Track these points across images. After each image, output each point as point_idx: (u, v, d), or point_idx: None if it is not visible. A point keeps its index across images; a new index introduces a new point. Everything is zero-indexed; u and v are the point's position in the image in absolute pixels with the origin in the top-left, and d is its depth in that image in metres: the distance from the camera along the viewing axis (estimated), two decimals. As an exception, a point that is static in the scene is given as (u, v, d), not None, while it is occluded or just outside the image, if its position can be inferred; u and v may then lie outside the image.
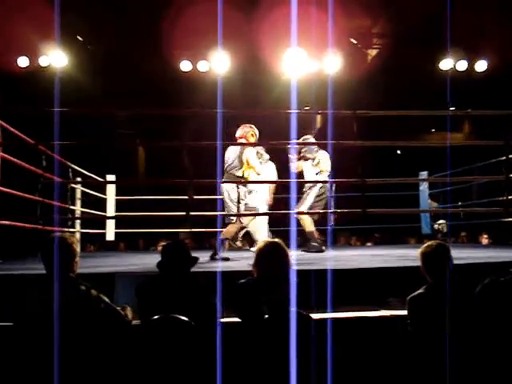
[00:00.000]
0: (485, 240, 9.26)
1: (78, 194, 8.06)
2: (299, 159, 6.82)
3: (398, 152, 13.90)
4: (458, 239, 10.02)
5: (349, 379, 3.28)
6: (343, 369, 3.16)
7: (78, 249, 3.19)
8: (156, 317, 2.96)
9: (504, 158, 5.56)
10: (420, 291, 3.19)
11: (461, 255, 5.13)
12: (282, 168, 7.11)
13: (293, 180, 6.45)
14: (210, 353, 2.91)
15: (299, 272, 3.35)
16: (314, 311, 3.37)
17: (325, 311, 3.54)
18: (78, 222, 8.03)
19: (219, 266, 4.85)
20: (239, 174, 6.08)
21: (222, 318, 3.23)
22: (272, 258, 3.29)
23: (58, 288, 2.91)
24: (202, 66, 10.04)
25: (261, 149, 6.76)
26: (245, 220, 6.22)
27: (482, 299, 3.15)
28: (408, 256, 5.80)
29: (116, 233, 8.82)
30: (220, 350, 2.92)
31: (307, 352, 2.89)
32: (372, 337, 3.50)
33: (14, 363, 2.88)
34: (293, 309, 2.99)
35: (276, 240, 3.48)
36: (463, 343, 2.96)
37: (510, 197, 5.36)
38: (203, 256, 4.60)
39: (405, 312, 3.29)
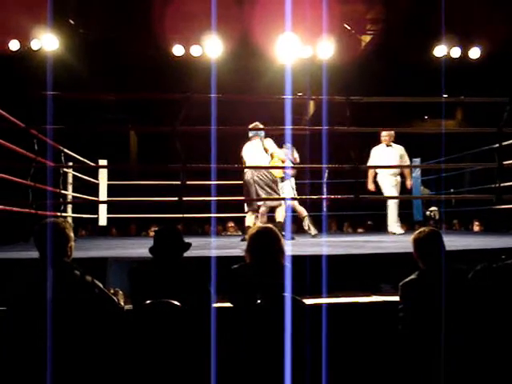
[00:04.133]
0: (476, 227, 9.30)
1: (70, 179, 8.03)
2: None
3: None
4: (450, 226, 10.05)
5: (342, 365, 3.29)
6: (336, 354, 3.18)
7: (72, 234, 3.17)
8: (148, 302, 2.96)
9: (497, 145, 5.58)
10: (412, 277, 3.20)
11: (453, 242, 5.15)
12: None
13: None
14: (203, 338, 2.92)
15: (292, 258, 3.36)
16: (307, 297, 3.38)
17: (318, 297, 3.54)
18: (69, 206, 8.01)
19: (213, 252, 4.85)
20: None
21: (216, 303, 3.23)
22: (264, 243, 3.30)
23: (52, 273, 2.90)
24: (195, 51, 9.96)
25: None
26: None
27: (474, 285, 3.17)
28: (400, 242, 5.82)
29: (108, 218, 8.81)
30: (214, 335, 2.92)
31: (300, 336, 2.90)
32: (364, 323, 3.52)
33: (7, 348, 2.88)
34: (286, 294, 3.00)
35: (268, 225, 3.48)
36: (455, 328, 2.98)
37: (501, 184, 5.38)
38: (196, 242, 4.59)
39: (397, 298, 3.30)
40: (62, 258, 3.03)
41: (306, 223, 7.21)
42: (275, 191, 6.56)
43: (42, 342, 2.76)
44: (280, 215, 6.67)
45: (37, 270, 2.97)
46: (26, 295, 2.91)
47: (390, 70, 10.70)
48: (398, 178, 7.79)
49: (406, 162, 7.77)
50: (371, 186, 7.78)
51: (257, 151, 6.77)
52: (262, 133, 6.77)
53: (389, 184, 7.67)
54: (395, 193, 7.62)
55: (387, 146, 7.74)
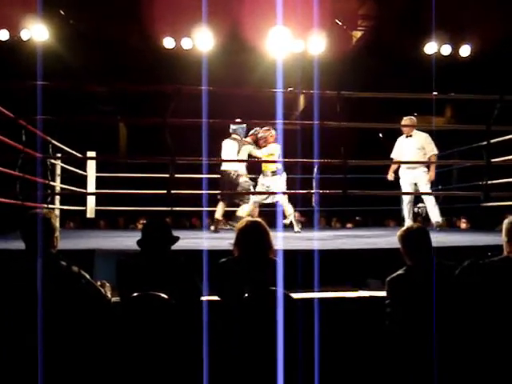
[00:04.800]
0: (463, 224, 9.34)
1: (58, 171, 7.98)
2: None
3: (380, 135, 13.92)
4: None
5: (333, 359, 3.30)
6: (326, 349, 3.18)
7: (57, 224, 3.16)
8: (135, 294, 2.95)
9: (485, 142, 5.60)
10: (399, 272, 3.21)
11: (440, 239, 5.17)
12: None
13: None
14: (191, 331, 2.92)
15: (282, 252, 3.36)
16: (296, 291, 3.38)
17: (308, 291, 3.55)
18: (57, 198, 7.97)
19: (203, 245, 4.84)
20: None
21: (205, 296, 3.23)
22: (253, 237, 3.30)
23: (40, 264, 2.89)
24: (186, 44, 9.91)
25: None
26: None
27: (461, 281, 3.18)
28: (387, 238, 5.84)
29: (96, 210, 8.77)
30: (205, 328, 2.92)
31: (288, 330, 2.91)
32: (351, 317, 3.53)
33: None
34: (275, 288, 3.00)
35: (257, 219, 3.48)
36: (442, 324, 3.00)
37: (489, 182, 5.41)
38: (185, 235, 4.58)
39: (383, 293, 3.31)
40: (47, 248, 3.02)
41: (289, 220, 7.19)
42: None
43: (30, 333, 2.75)
44: (243, 210, 6.92)
45: (23, 261, 2.96)
46: (14, 286, 2.90)
47: (381, 66, 10.70)
48: (419, 171, 7.19)
49: (429, 152, 7.18)
50: (390, 177, 7.48)
51: (225, 151, 7.16)
52: (239, 130, 6.97)
53: (405, 181, 7.33)
54: (410, 190, 7.28)
55: (407, 136, 7.37)
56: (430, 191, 7.24)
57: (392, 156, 7.59)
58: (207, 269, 3.31)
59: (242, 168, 7.13)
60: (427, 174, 7.17)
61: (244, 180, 7.07)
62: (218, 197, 7.34)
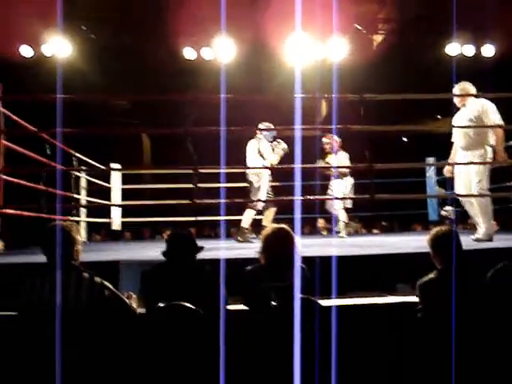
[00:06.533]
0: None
1: (83, 183, 8.04)
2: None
3: (404, 139, 13.79)
4: (466, 226, 9.93)
5: (355, 368, 3.23)
6: (349, 357, 3.12)
7: (79, 236, 3.14)
8: (162, 304, 2.92)
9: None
10: (431, 276, 3.15)
11: (469, 241, 5.06)
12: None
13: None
14: (216, 341, 2.87)
15: (306, 259, 3.31)
16: (319, 298, 3.32)
17: (334, 298, 3.49)
18: (83, 211, 8.01)
19: (227, 254, 4.81)
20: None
21: (228, 305, 3.18)
22: (279, 244, 3.25)
23: (60, 276, 2.87)
24: (207, 54, 9.92)
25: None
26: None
27: (493, 284, 3.10)
28: (416, 242, 5.74)
29: (122, 222, 8.80)
30: (226, 338, 2.87)
31: (314, 339, 2.84)
32: (380, 324, 3.45)
33: (18, 353, 2.85)
34: (300, 295, 2.94)
35: (283, 226, 3.43)
36: (475, 328, 2.92)
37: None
38: (209, 244, 4.55)
39: (413, 298, 3.24)
40: (68, 260, 3.00)
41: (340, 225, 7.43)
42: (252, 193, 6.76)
43: (52, 346, 2.73)
44: (267, 218, 6.89)
45: (45, 274, 2.95)
46: (36, 299, 2.88)
47: (403, 69, 10.60)
48: (470, 155, 5.38)
49: (488, 122, 5.28)
50: (448, 173, 5.84)
51: (248, 151, 6.99)
52: (264, 134, 6.85)
53: (459, 170, 5.57)
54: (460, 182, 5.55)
55: (459, 109, 5.59)
56: (479, 187, 5.29)
57: (452, 140, 5.78)
58: (232, 277, 3.26)
59: (263, 172, 6.89)
60: (483, 159, 5.30)
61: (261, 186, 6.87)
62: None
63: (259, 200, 6.69)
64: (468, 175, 5.39)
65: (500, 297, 3.08)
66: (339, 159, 7.30)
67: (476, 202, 5.36)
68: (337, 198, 7.09)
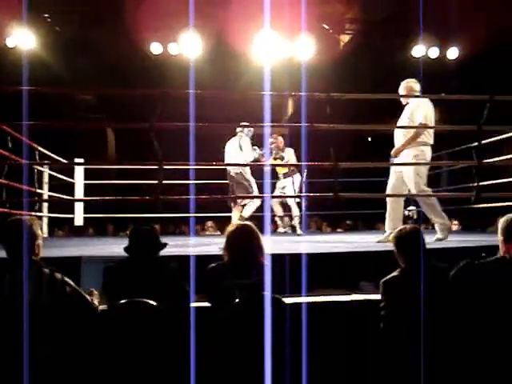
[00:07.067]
0: (454, 226, 9.31)
1: (46, 178, 7.90)
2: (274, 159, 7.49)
3: (369, 139, 13.91)
4: (428, 225, 10.07)
5: (323, 363, 3.25)
6: (316, 353, 3.13)
7: (39, 231, 3.08)
8: (123, 301, 2.88)
9: (476, 143, 5.54)
10: (394, 274, 3.18)
11: (432, 240, 5.13)
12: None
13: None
14: (180, 337, 2.85)
15: (272, 256, 3.30)
16: (287, 295, 3.32)
17: (298, 295, 3.49)
18: (45, 205, 7.87)
19: (191, 250, 4.78)
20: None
21: (194, 302, 3.16)
22: (243, 241, 3.24)
23: (23, 272, 2.81)
24: (173, 49, 9.84)
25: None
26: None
27: (456, 282, 3.14)
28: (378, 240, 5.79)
29: (85, 218, 8.67)
30: (192, 334, 2.86)
31: (280, 336, 2.85)
32: (344, 321, 3.47)
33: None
34: (266, 293, 2.94)
35: (247, 223, 3.42)
36: (438, 326, 2.95)
37: (480, 183, 5.37)
38: (173, 241, 4.52)
39: (377, 296, 3.26)
40: (29, 255, 2.93)
41: (294, 222, 7.56)
42: (249, 187, 6.83)
43: (13, 342, 2.67)
44: (247, 211, 6.87)
45: (5, 270, 2.88)
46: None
47: (369, 69, 10.69)
48: (411, 155, 5.44)
49: (416, 120, 5.38)
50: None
51: (231, 148, 7.03)
52: (246, 131, 6.87)
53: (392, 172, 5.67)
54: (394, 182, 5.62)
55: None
56: (417, 189, 5.48)
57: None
58: (196, 274, 3.24)
59: (245, 168, 6.99)
60: (416, 160, 5.40)
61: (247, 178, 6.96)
62: (229, 203, 7.28)
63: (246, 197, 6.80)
64: (401, 176, 5.53)
65: (463, 294, 3.12)
66: (289, 156, 7.50)
67: (421, 203, 5.63)
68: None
